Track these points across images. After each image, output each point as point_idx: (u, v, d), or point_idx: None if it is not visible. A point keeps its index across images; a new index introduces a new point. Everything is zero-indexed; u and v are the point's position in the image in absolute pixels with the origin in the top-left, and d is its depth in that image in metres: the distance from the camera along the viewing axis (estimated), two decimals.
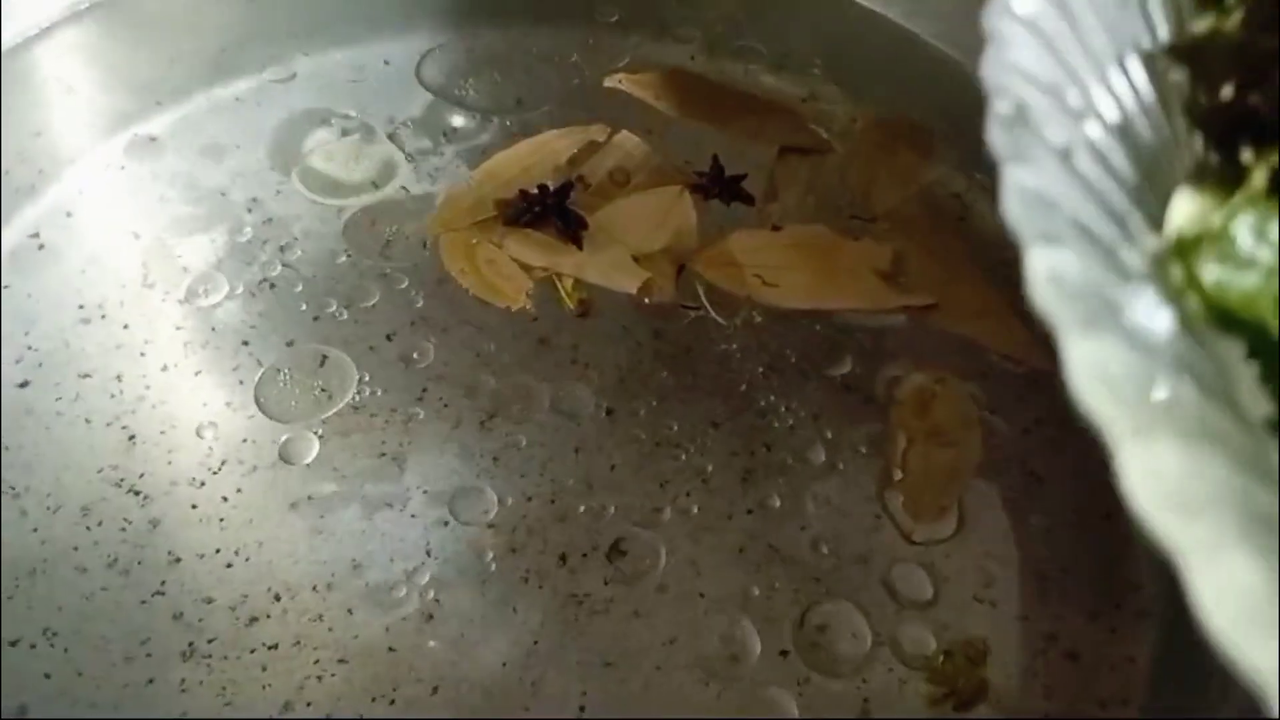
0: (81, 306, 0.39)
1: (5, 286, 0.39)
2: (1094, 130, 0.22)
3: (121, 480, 0.36)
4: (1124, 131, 0.23)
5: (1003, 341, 0.39)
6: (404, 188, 0.43)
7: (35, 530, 0.35)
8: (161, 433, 0.37)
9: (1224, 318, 0.21)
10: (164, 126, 0.44)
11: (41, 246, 0.40)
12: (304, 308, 0.40)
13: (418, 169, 0.44)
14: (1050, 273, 0.18)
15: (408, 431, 0.37)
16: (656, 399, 0.38)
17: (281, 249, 0.41)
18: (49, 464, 0.36)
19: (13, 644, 0.33)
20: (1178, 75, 0.25)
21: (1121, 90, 0.24)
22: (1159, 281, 0.21)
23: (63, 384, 0.37)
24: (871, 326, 0.40)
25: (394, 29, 0.47)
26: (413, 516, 0.36)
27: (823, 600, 0.35)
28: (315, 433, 0.37)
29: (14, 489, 0.35)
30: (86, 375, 0.38)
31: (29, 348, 0.38)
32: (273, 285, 0.40)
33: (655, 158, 0.44)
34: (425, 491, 0.36)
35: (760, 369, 0.39)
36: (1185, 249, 0.21)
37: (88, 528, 0.35)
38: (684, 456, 0.37)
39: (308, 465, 0.36)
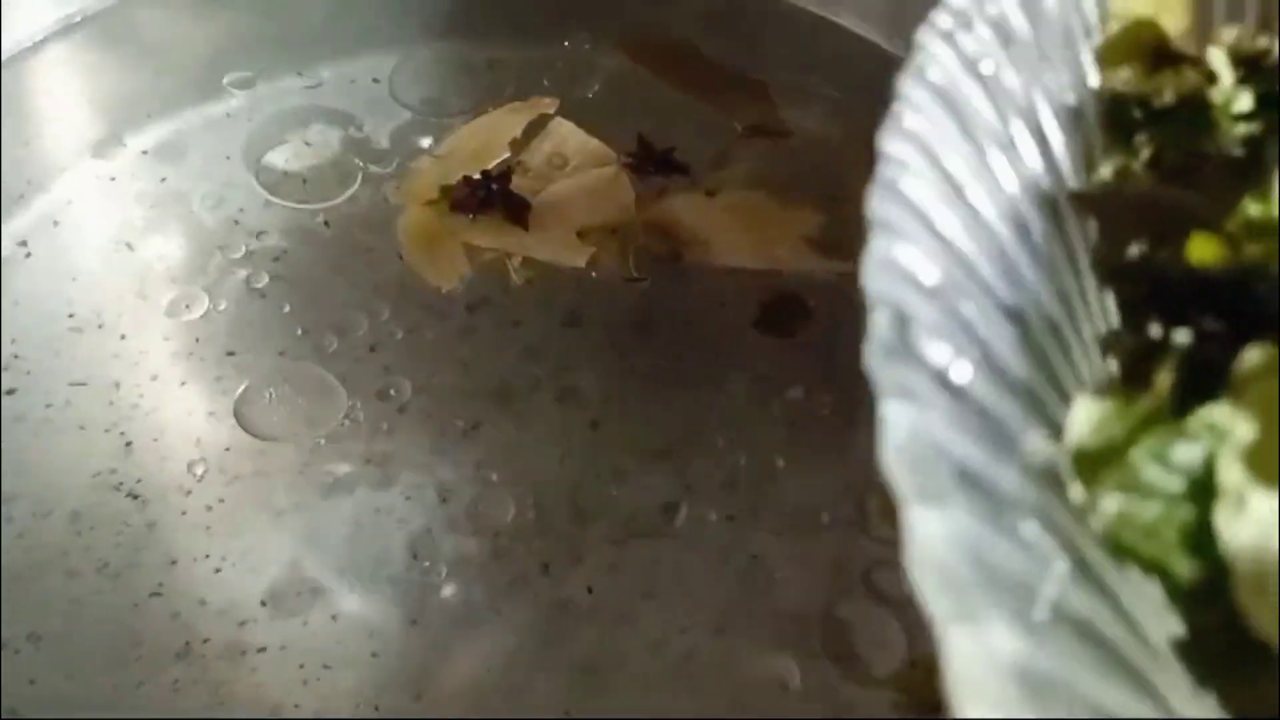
0: (71, 315, 0.40)
1: None
2: (986, 326, 0.20)
3: (120, 484, 0.36)
4: (1020, 316, 0.21)
5: None
6: (386, 198, 0.44)
7: (21, 536, 0.35)
8: (154, 440, 0.37)
9: (1124, 550, 0.19)
10: (154, 139, 0.44)
11: (29, 255, 0.41)
12: (291, 319, 0.40)
13: (400, 180, 0.45)
14: (934, 539, 0.17)
15: (392, 440, 0.38)
16: (639, 398, 0.39)
17: (274, 260, 0.41)
18: (37, 470, 0.36)
19: (1, 647, 0.33)
20: (1084, 227, 0.24)
21: (1020, 261, 0.22)
22: (1055, 498, 0.19)
23: (52, 391, 0.38)
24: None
25: (382, 43, 0.48)
26: (399, 522, 0.36)
27: (805, 605, 0.36)
28: (301, 441, 0.38)
29: (2, 495, 0.36)
30: (79, 383, 0.38)
31: (15, 356, 0.39)
32: (262, 295, 0.41)
33: (590, 141, 0.45)
34: (409, 499, 0.37)
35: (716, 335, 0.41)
36: (1084, 467, 0.20)
37: (78, 532, 0.35)
38: (671, 461, 0.38)
39: (297, 472, 0.37)
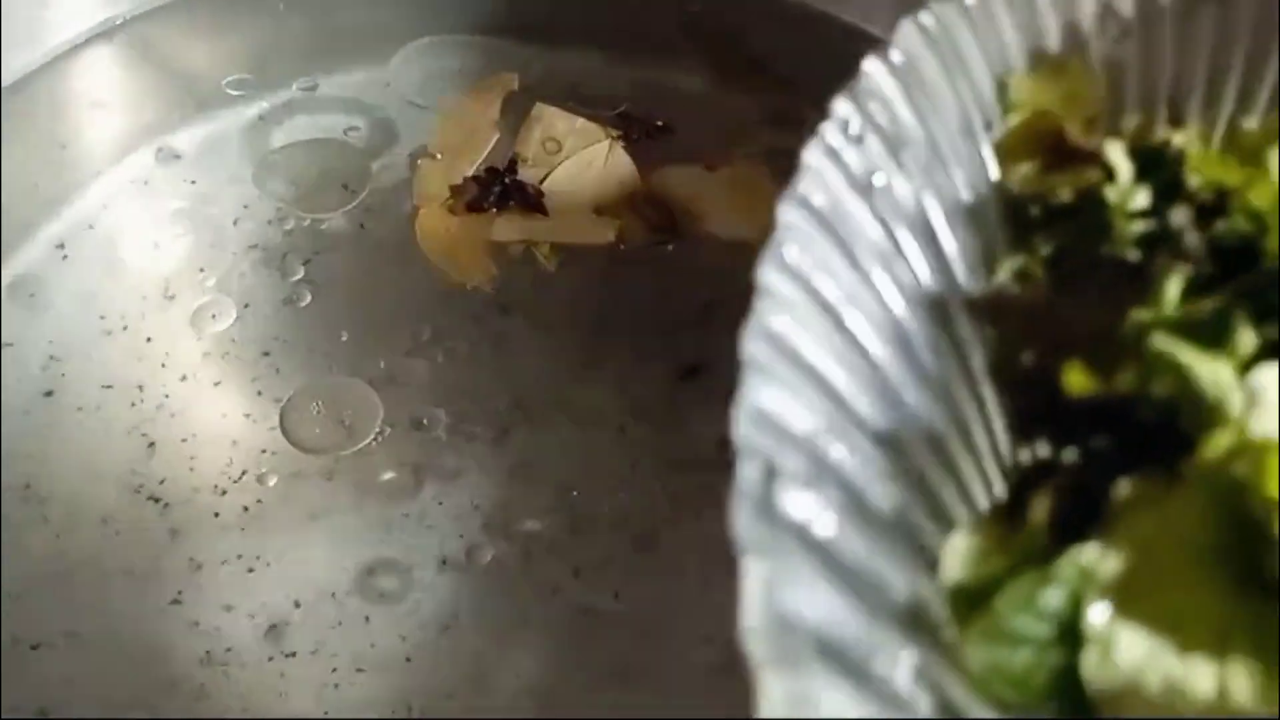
0: (103, 318, 0.40)
1: (30, 296, 0.40)
2: (858, 466, 0.19)
3: (141, 487, 0.36)
4: (897, 442, 0.20)
5: None
6: (407, 200, 0.44)
7: (58, 536, 0.35)
8: (183, 440, 0.37)
9: (993, 698, 0.19)
10: (189, 142, 0.44)
11: (66, 257, 0.41)
12: (324, 321, 0.40)
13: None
14: (781, 705, 0.16)
15: (425, 446, 0.38)
16: (669, 404, 0.39)
17: (305, 263, 0.41)
18: (71, 472, 0.37)
19: (34, 647, 0.33)
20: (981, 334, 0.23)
21: (901, 383, 0.21)
22: (929, 637, 0.19)
23: (85, 393, 0.38)
24: None
25: (413, 46, 0.48)
26: (429, 528, 0.36)
27: None
28: (334, 446, 0.37)
29: (38, 496, 0.36)
30: (108, 386, 0.38)
31: (52, 357, 0.39)
32: (294, 299, 0.41)
33: (577, 120, 0.45)
34: (441, 504, 0.37)
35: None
36: (958, 605, 0.19)
37: (109, 535, 0.35)
38: (698, 470, 0.38)
39: (327, 477, 0.37)
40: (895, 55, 0.24)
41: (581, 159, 0.44)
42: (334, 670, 0.34)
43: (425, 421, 0.38)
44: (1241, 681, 0.17)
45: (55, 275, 0.41)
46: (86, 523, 0.36)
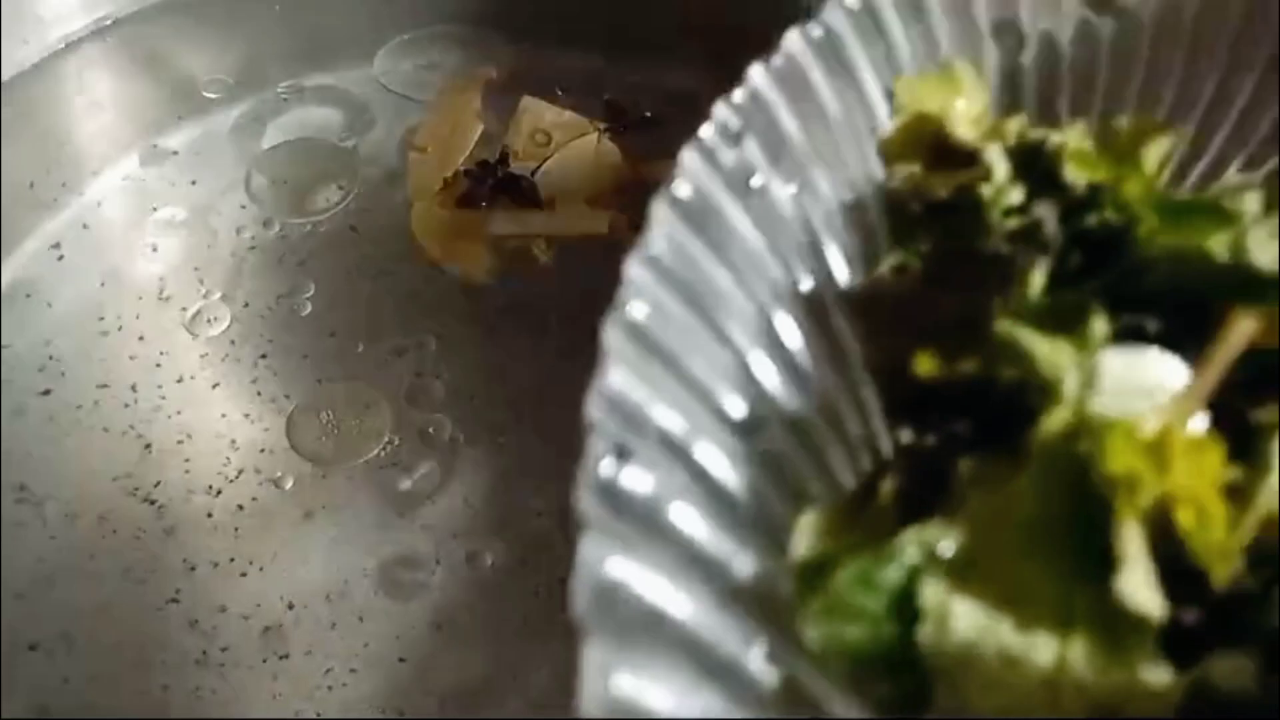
0: (100, 318, 0.40)
1: (26, 297, 0.40)
2: (710, 450, 0.20)
3: (136, 489, 0.36)
4: (755, 429, 0.21)
5: None
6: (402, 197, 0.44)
7: (54, 538, 0.35)
8: (178, 442, 0.37)
9: (831, 671, 0.19)
10: (183, 142, 0.44)
11: (62, 258, 0.41)
12: (320, 321, 0.40)
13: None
14: (601, 677, 0.17)
15: (420, 444, 0.38)
16: None
17: (300, 264, 0.41)
18: (68, 472, 0.37)
19: (31, 648, 0.34)
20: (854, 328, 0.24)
21: (765, 374, 0.22)
22: (775, 619, 0.19)
23: (82, 393, 0.38)
24: None
25: (397, 42, 0.48)
26: (424, 527, 0.36)
27: None
28: (329, 445, 0.38)
29: (35, 496, 0.36)
30: (104, 385, 0.38)
31: (50, 357, 0.39)
32: (290, 299, 0.41)
33: (564, 114, 0.46)
34: (437, 504, 0.37)
35: None
36: (802, 583, 0.20)
37: (104, 535, 0.35)
38: None
39: (323, 477, 0.37)
40: (778, 61, 0.25)
41: (571, 151, 0.44)
42: (328, 671, 0.34)
43: (422, 421, 0.38)
44: (1079, 651, 0.18)
45: (51, 276, 0.41)
46: (82, 523, 0.36)
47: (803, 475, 0.22)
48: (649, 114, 0.46)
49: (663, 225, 0.22)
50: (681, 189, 0.22)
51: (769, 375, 0.22)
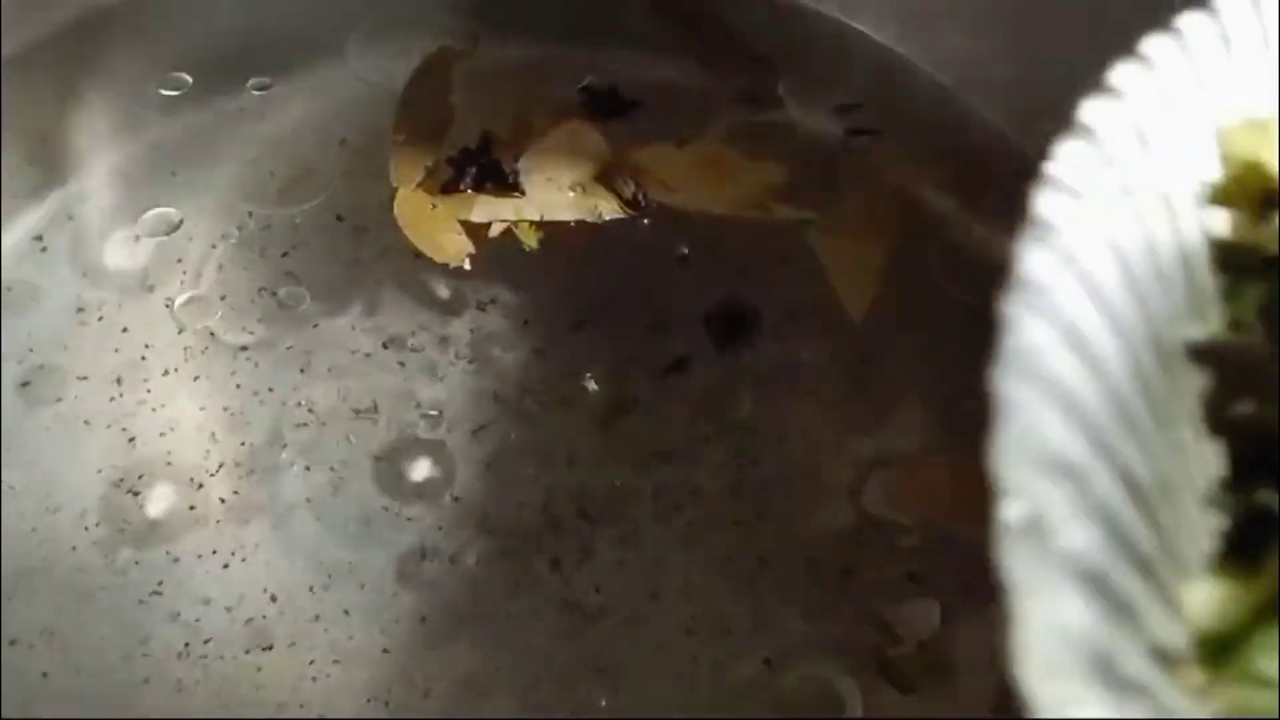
0: (81, 309, 0.40)
1: (7, 289, 0.40)
2: (1115, 500, 0.19)
3: (120, 480, 0.36)
4: (1140, 482, 0.20)
5: None
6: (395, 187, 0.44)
7: (34, 530, 0.35)
8: (161, 435, 0.37)
9: None
10: (169, 133, 0.44)
11: (45, 249, 0.41)
12: (303, 313, 0.40)
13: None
14: None
15: (403, 436, 0.38)
16: (649, 395, 0.39)
17: (283, 255, 0.41)
18: (49, 465, 0.37)
19: (12, 643, 0.33)
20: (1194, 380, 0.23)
21: (1141, 422, 0.21)
22: (1171, 678, 0.19)
23: (63, 385, 0.38)
24: None
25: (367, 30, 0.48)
26: (409, 520, 0.36)
27: (811, 610, 0.35)
28: (311, 437, 0.37)
29: (13, 488, 0.36)
30: (84, 378, 0.38)
31: (30, 349, 0.39)
32: (273, 293, 0.40)
33: (545, 98, 0.46)
34: (420, 496, 0.37)
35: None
36: (1205, 651, 0.20)
37: (86, 528, 0.35)
38: (678, 463, 0.38)
39: (306, 469, 0.37)
40: (1121, 102, 0.24)
41: (553, 137, 0.44)
42: (311, 663, 0.34)
43: (407, 414, 0.38)
44: None
45: (33, 267, 0.40)
46: (64, 516, 0.36)
47: (1174, 533, 0.21)
48: (629, 99, 0.46)
49: (1040, 269, 0.20)
50: (1052, 235, 0.21)
51: (1145, 424, 0.21)
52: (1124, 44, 0.40)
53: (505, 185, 0.44)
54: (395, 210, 0.43)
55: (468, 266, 0.42)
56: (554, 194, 0.43)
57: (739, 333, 0.41)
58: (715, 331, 0.41)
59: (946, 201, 0.44)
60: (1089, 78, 0.42)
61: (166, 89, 0.45)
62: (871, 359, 0.40)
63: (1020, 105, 0.45)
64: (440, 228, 0.42)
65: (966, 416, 0.39)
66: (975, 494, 0.36)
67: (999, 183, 0.44)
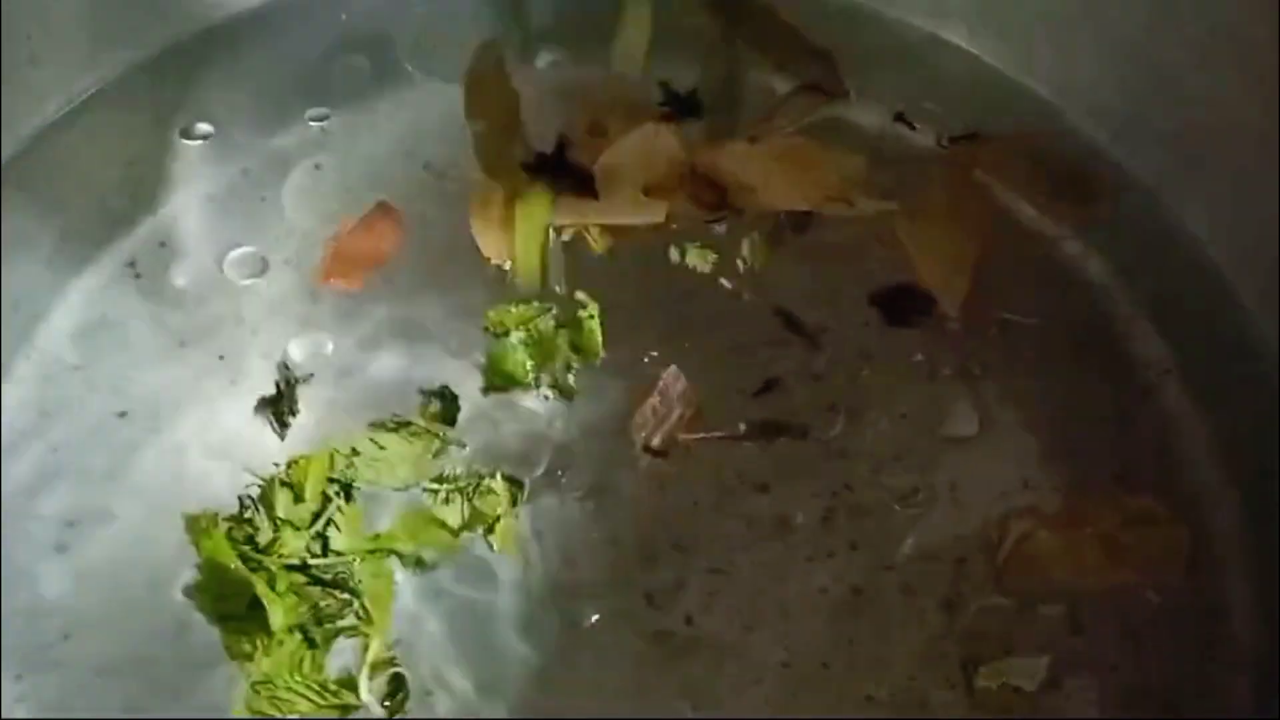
0: (174, 335, 0.40)
1: (102, 315, 0.40)
2: None
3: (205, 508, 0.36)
4: None
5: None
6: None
7: (129, 556, 0.36)
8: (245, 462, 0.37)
9: None
10: (255, 159, 0.44)
11: (138, 276, 0.41)
12: (393, 335, 0.40)
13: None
14: None
15: (491, 462, 0.38)
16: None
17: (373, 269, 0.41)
18: (142, 493, 0.37)
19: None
20: None
21: None
22: None
23: (159, 413, 0.38)
24: None
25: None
26: (491, 547, 0.36)
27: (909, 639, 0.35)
28: (405, 463, 0.37)
29: (111, 515, 0.36)
30: (179, 403, 0.38)
31: (127, 378, 0.39)
32: (361, 310, 0.41)
33: (621, 101, 0.46)
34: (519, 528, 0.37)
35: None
36: None
37: (181, 558, 0.35)
38: (769, 494, 0.37)
39: (395, 492, 0.37)
40: None
41: (629, 140, 0.44)
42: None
43: (491, 437, 0.38)
44: None
45: (126, 294, 0.41)
46: (160, 545, 0.36)
47: None
48: (700, 99, 0.46)
49: None
50: None
51: None
52: (1233, 60, 0.39)
53: (580, 188, 0.43)
54: (471, 217, 0.42)
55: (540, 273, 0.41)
56: (628, 197, 0.43)
57: (909, 311, 0.41)
58: (886, 310, 0.41)
59: (1036, 214, 0.43)
60: (1194, 94, 0.41)
61: (368, 110, 0.45)
62: (967, 377, 0.40)
63: (1122, 120, 0.44)
64: (513, 232, 0.42)
65: (1064, 448, 0.39)
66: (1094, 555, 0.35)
67: (1095, 200, 0.43)
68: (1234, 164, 0.40)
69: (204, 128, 0.45)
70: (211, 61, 0.47)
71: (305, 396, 0.39)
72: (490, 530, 0.36)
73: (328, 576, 0.35)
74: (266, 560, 0.34)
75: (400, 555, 0.36)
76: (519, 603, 0.35)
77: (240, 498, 0.36)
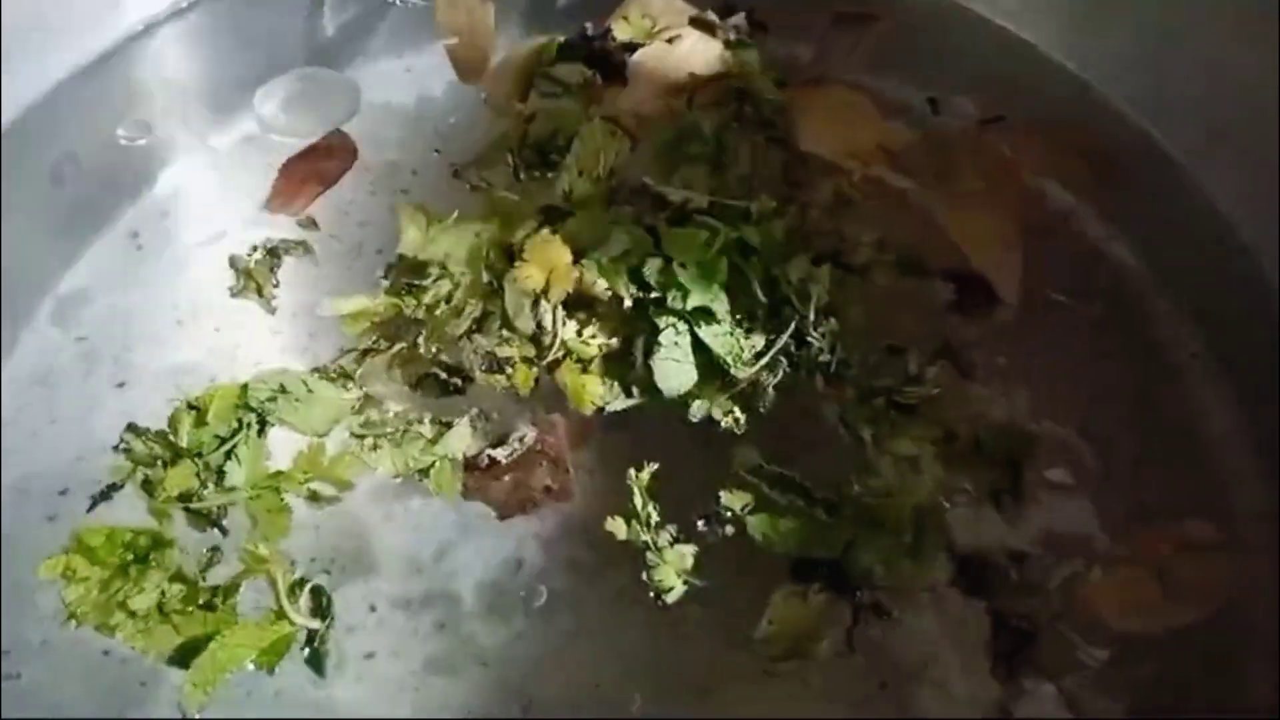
0: (175, 307, 0.39)
1: (104, 285, 0.39)
2: None
3: None
4: None
5: None
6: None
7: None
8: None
9: None
10: (257, 127, 0.44)
11: (140, 247, 0.40)
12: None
13: None
14: None
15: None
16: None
17: (377, 252, 0.40)
18: None
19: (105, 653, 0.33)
20: None
21: None
22: None
23: (159, 385, 0.37)
24: None
25: None
26: (508, 526, 0.35)
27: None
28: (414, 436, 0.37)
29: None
30: (182, 375, 0.37)
31: (126, 348, 0.38)
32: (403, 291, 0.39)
33: (675, 2, 0.45)
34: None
35: None
36: None
37: (182, 525, 0.34)
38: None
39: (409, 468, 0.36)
40: None
41: (670, 42, 0.44)
42: (412, 673, 0.33)
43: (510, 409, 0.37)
44: None
45: (129, 265, 0.40)
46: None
47: None
48: (762, 23, 0.45)
49: None
50: None
51: None
52: (1266, 35, 0.38)
53: (610, 74, 0.44)
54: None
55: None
56: (656, 89, 0.43)
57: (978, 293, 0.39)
58: (963, 294, 0.39)
59: (1071, 196, 0.42)
60: (1225, 69, 0.40)
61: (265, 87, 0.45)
62: (1016, 373, 0.39)
63: (1152, 96, 0.43)
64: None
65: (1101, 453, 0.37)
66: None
67: (1132, 181, 0.42)
68: (1265, 141, 0.39)
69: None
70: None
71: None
72: (425, 474, 0.35)
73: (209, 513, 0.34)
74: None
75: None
76: None
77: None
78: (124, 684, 0.32)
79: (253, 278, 0.39)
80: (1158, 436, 0.37)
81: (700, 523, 0.34)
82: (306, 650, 0.33)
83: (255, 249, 0.40)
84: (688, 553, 0.33)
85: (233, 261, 0.39)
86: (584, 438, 0.37)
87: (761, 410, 0.36)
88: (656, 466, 0.34)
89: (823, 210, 0.40)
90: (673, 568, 0.33)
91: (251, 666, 0.32)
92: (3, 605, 0.33)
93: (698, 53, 0.43)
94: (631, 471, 0.34)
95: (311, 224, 0.41)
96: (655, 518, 0.34)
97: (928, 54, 0.46)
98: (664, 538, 0.34)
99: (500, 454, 0.35)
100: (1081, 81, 0.45)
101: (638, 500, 0.34)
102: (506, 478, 0.35)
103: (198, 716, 0.31)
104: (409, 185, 0.42)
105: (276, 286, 0.39)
